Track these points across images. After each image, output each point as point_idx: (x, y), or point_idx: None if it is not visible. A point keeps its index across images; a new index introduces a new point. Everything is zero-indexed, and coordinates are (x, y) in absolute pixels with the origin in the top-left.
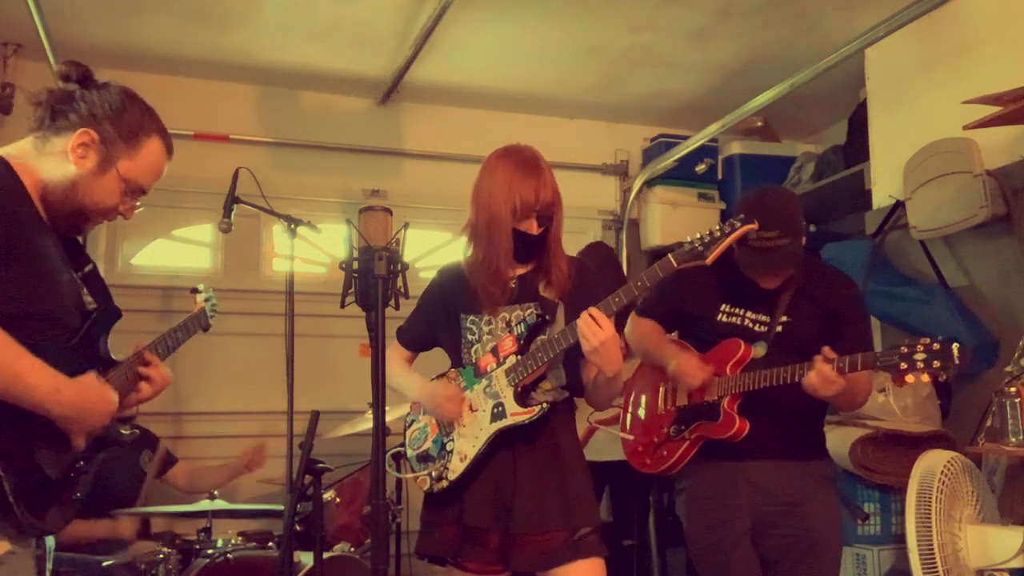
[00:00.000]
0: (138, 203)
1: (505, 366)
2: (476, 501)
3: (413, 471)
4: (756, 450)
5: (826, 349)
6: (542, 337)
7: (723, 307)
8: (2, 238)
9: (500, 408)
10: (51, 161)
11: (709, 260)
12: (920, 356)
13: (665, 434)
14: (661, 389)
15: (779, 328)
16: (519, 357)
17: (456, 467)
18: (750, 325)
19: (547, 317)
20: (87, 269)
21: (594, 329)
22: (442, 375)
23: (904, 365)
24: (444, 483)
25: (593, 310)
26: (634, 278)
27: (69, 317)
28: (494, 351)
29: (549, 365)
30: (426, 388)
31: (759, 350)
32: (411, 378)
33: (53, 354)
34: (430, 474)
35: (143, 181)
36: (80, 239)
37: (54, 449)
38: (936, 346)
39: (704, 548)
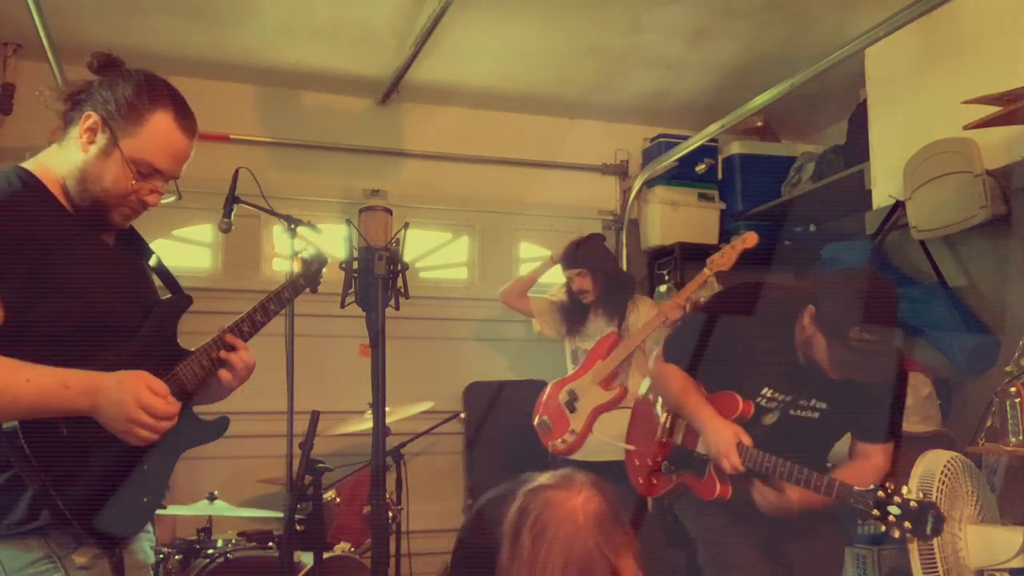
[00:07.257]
0: (164, 188)
1: None
2: None
3: None
4: None
5: None
6: None
7: (764, 391)
8: (20, 263)
9: None
10: (65, 153)
11: None
12: (894, 511)
13: (658, 463)
14: (664, 417)
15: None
16: None
17: None
18: (771, 407)
19: None
20: (153, 260)
21: None
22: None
23: (876, 512)
24: None
25: None
26: None
27: (125, 318)
28: None
29: None
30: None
31: (770, 418)
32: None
33: (115, 358)
34: None
35: (152, 159)
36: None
37: (107, 456)
38: (913, 504)
39: (729, 545)
